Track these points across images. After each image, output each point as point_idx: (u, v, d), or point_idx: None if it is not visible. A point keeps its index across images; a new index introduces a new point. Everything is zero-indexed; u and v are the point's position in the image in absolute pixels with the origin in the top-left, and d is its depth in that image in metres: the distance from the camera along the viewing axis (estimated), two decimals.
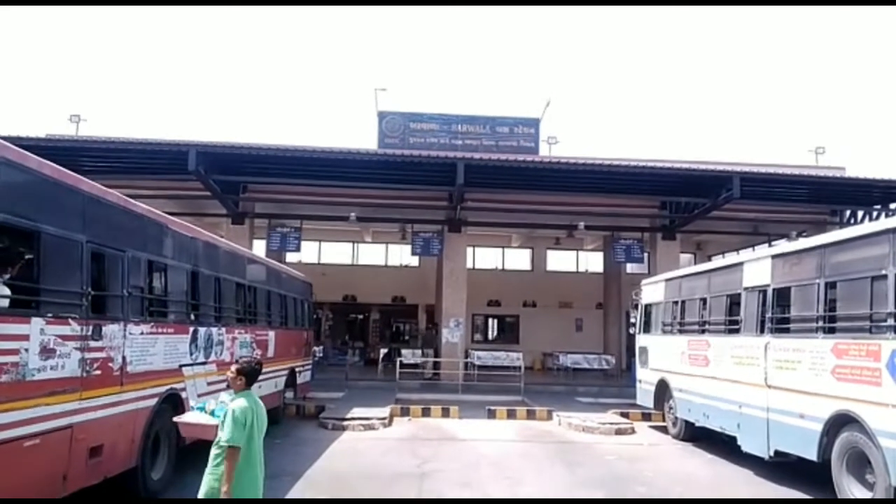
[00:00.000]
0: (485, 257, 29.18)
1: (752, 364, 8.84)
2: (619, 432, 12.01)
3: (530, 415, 13.63)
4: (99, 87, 58.19)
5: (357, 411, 12.59)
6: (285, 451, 9.64)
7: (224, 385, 5.81)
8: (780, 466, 8.47)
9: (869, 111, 58.22)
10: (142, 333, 6.69)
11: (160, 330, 7.16)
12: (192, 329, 8.05)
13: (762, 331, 8.75)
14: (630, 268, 23.73)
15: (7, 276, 4.90)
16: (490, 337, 29.55)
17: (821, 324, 7.55)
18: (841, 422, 7.02)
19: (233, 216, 18.86)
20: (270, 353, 11.54)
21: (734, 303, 9.74)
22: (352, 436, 11.17)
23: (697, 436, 11.02)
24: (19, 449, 4.75)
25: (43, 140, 16.94)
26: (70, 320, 5.42)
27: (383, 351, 23.17)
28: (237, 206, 18.82)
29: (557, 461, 9.60)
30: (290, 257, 20.45)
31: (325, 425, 11.83)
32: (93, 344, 5.71)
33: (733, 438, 9.38)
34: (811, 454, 7.44)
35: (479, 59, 63.82)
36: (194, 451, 6.44)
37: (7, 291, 4.79)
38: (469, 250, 22.35)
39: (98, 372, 5.80)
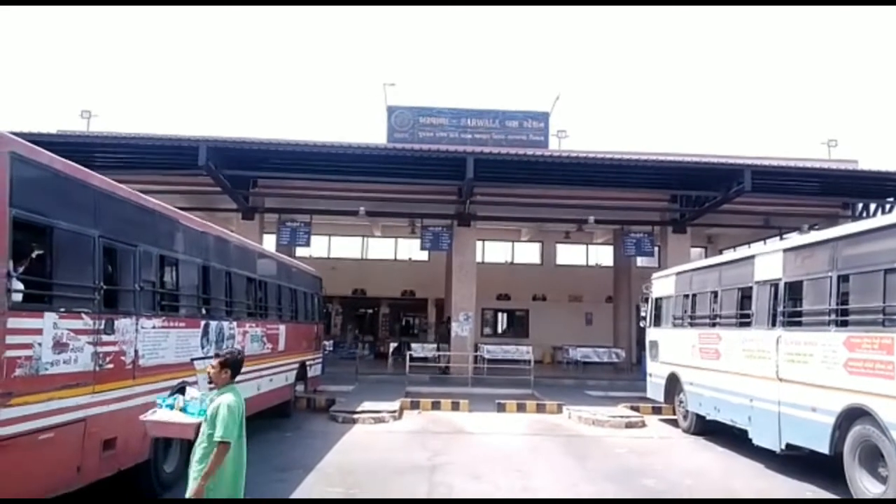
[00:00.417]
0: (494, 251, 29.20)
1: (763, 357, 8.80)
2: (629, 426, 12.01)
3: (540, 408, 13.63)
4: (110, 82, 58.60)
5: (367, 404, 12.66)
6: (296, 444, 9.72)
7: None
8: (792, 460, 8.43)
9: (881, 104, 57.61)
10: (153, 327, 6.74)
11: (172, 324, 7.21)
12: (203, 323, 8.10)
13: (774, 324, 8.70)
14: (640, 261, 23.59)
15: (20, 271, 4.92)
16: (500, 331, 29.55)
17: (833, 317, 7.50)
18: (853, 415, 6.99)
19: (243, 211, 18.96)
20: (281, 346, 11.61)
21: (745, 296, 9.68)
22: (362, 429, 11.23)
23: (708, 429, 10.99)
24: (34, 442, 4.79)
25: (55, 136, 17.13)
26: (83, 315, 5.46)
27: (393, 345, 23.21)
28: (247, 200, 18.91)
29: (567, 455, 9.61)
30: (300, 252, 20.48)
31: (336, 418, 11.91)
32: (105, 338, 5.75)
33: (744, 432, 9.35)
34: (823, 447, 7.41)
35: (488, 54, 63.69)
36: None
37: (20, 286, 4.81)
38: (479, 244, 22.36)
39: (110, 366, 5.85)
